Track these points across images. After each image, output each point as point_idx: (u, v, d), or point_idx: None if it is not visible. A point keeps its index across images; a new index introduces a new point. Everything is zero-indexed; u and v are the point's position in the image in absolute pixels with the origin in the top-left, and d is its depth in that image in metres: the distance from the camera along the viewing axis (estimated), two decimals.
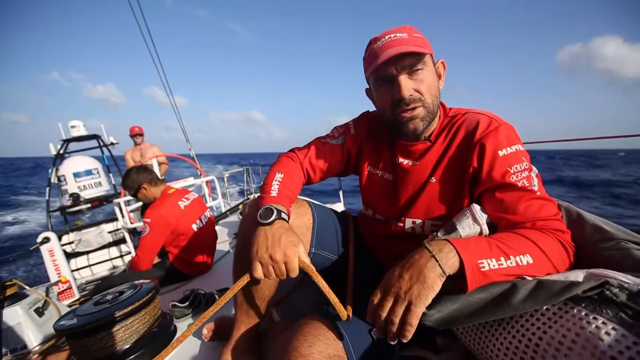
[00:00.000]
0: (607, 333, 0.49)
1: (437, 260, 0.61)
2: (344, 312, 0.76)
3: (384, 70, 0.79)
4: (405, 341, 0.62)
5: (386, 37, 0.80)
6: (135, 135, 4.60)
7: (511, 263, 0.63)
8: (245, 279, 0.78)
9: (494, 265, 0.63)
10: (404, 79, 0.78)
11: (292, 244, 0.75)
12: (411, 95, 0.79)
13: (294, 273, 0.75)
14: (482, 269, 0.62)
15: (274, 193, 0.87)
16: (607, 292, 0.55)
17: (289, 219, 0.83)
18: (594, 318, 0.53)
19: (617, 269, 0.61)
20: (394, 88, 0.79)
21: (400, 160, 0.93)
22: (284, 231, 0.77)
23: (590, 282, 0.57)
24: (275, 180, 0.92)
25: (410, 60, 0.77)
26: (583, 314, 0.55)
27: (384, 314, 0.63)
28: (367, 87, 0.94)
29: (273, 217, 0.79)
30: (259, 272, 0.75)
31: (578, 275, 0.62)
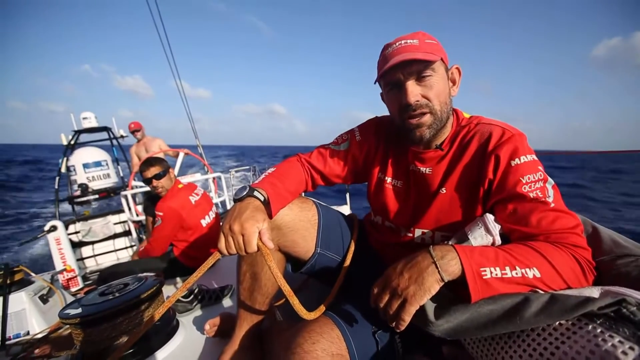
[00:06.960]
0: (624, 352, 0.48)
1: (437, 267, 0.62)
2: (303, 312, 0.76)
3: (393, 76, 0.80)
4: (398, 331, 0.65)
5: (397, 44, 0.80)
6: (133, 131, 4.57)
7: (516, 274, 0.62)
8: (216, 256, 0.80)
9: (496, 274, 0.61)
10: (411, 85, 0.78)
11: (253, 218, 0.76)
12: (417, 101, 0.78)
13: (250, 248, 0.75)
14: (484, 277, 0.61)
15: (257, 181, 0.91)
16: (624, 310, 0.54)
17: (266, 201, 0.84)
18: (610, 336, 0.52)
19: (635, 286, 0.60)
20: (401, 93, 0.79)
21: (412, 167, 0.92)
22: (250, 206, 0.79)
23: (607, 299, 0.55)
24: (265, 173, 0.96)
25: (418, 67, 0.77)
26: (598, 331, 0.53)
27: (381, 305, 0.66)
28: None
29: (244, 194, 0.83)
30: (222, 245, 0.77)
31: (593, 292, 0.60)
